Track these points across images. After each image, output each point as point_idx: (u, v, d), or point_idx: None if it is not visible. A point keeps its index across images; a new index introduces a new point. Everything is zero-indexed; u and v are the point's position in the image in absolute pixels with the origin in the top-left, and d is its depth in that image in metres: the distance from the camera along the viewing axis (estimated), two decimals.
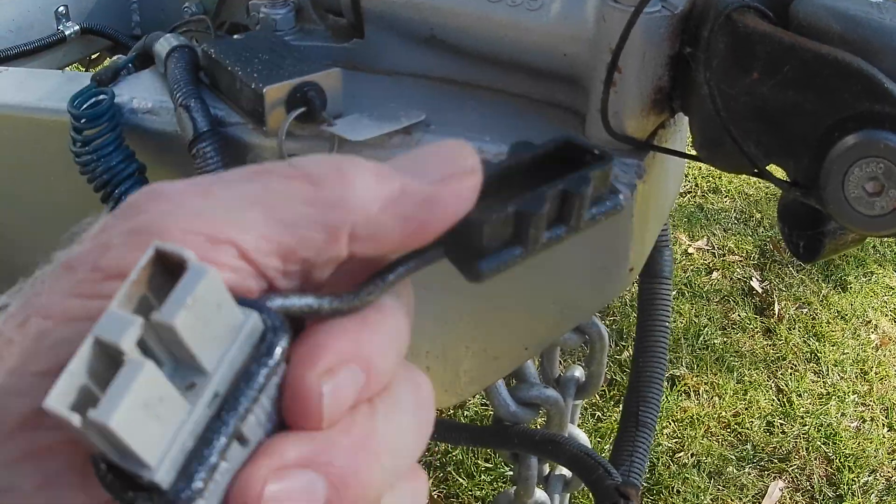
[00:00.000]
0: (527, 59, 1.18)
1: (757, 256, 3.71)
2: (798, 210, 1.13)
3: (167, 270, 0.37)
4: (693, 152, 1.12)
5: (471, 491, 2.76)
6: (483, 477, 2.79)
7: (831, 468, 2.94)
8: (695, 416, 3.04)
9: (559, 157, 0.46)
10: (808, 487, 2.90)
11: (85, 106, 1.22)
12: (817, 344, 3.35)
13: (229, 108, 1.19)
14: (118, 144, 1.19)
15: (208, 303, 0.36)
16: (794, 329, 3.40)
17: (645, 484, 2.78)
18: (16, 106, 1.32)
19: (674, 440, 2.97)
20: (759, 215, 3.92)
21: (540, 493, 1.80)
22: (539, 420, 1.83)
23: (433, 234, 0.42)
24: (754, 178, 3.97)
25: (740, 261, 3.69)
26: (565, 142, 0.46)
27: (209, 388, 0.36)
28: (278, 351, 0.37)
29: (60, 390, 0.34)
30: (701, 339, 3.31)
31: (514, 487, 1.80)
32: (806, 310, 3.49)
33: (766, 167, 1.02)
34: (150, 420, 0.34)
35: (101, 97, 1.24)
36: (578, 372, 1.76)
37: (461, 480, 2.77)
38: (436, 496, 2.72)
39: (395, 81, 1.29)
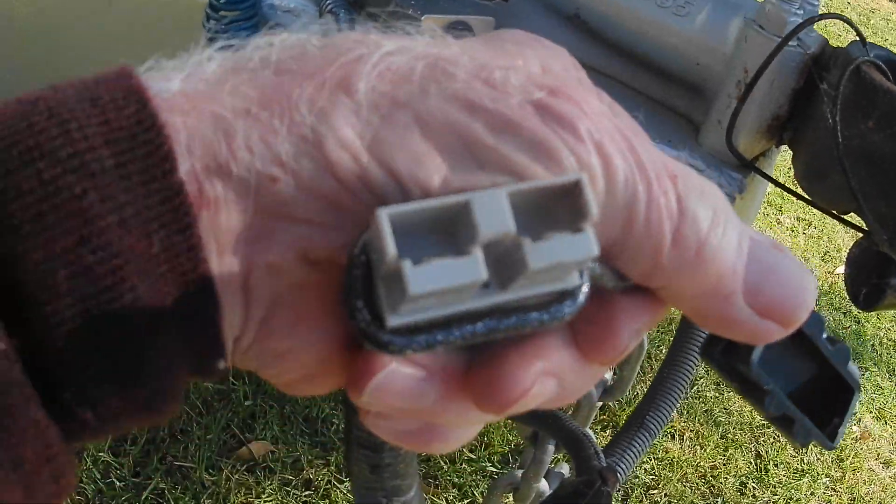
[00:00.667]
0: (661, 59, 1.24)
1: None
2: (869, 258, 1.18)
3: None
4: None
5: (450, 476, 2.79)
6: (465, 466, 2.82)
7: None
8: (675, 459, 3.08)
9: None
10: None
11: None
12: None
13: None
14: (252, 34, 1.16)
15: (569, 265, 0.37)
16: None
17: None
18: None
19: (651, 476, 3.01)
20: None
21: (543, 483, 1.83)
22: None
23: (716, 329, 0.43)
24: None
25: None
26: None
27: (495, 299, 0.37)
28: (567, 312, 0.39)
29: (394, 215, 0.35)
30: (695, 387, 3.36)
31: (522, 471, 1.83)
32: None
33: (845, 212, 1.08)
34: (435, 280, 0.35)
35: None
36: (608, 374, 1.78)
37: (442, 464, 2.81)
38: None
39: None
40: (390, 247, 0.34)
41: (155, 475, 2.51)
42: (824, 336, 0.54)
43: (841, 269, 4.14)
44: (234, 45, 0.41)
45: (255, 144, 0.37)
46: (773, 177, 1.23)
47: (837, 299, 4.02)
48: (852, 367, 0.56)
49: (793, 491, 3.14)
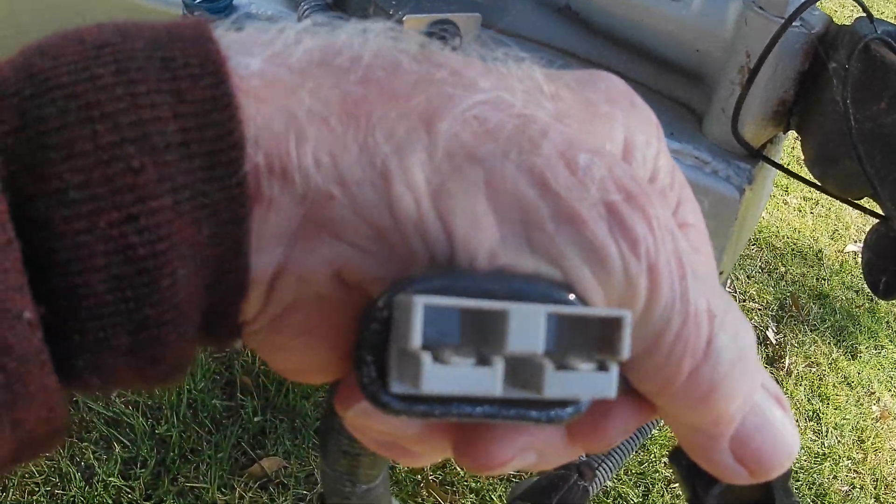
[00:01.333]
0: (658, 48, 1.21)
1: (776, 309, 3.73)
2: (887, 245, 1.15)
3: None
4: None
5: (466, 482, 2.76)
6: None
7: None
8: None
9: None
10: None
11: (201, 0, 1.21)
12: (820, 404, 3.36)
13: None
14: None
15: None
16: (800, 385, 3.42)
17: None
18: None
19: (671, 470, 2.98)
20: (783, 269, 3.94)
21: None
22: None
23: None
24: (784, 233, 4.00)
25: (759, 309, 3.70)
26: None
27: (502, 393, 0.36)
28: (567, 418, 0.38)
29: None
30: None
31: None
32: (814, 369, 3.51)
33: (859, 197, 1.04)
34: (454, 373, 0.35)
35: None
36: None
37: (458, 470, 2.78)
38: (432, 480, 2.73)
39: (516, 43, 1.29)
40: (416, 338, 0.34)
41: (167, 497, 2.48)
42: (784, 490, 0.54)
43: (851, 248, 4.11)
44: (328, 24, 0.39)
45: (324, 158, 0.35)
46: (779, 159, 1.19)
47: (849, 278, 3.98)
48: None
49: (815, 476, 3.10)
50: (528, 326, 0.35)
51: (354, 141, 0.35)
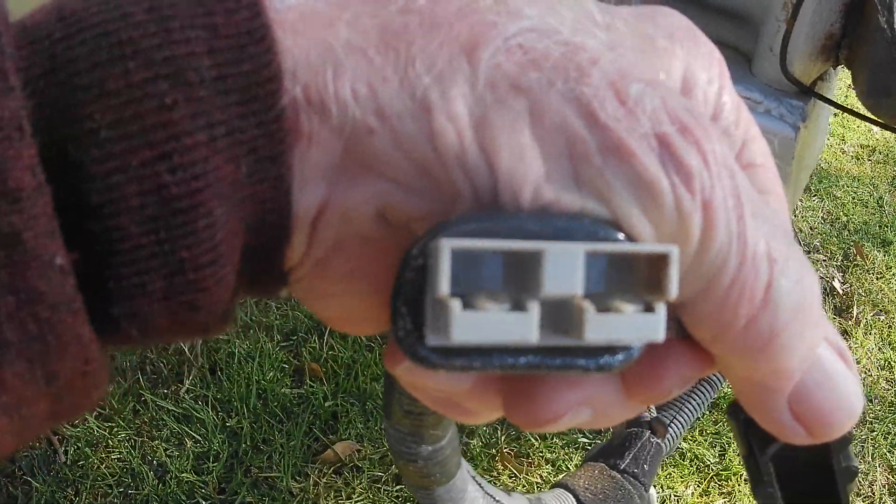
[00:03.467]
0: None
1: (840, 258, 3.69)
2: None
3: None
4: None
5: (541, 452, 2.76)
6: (556, 440, 2.80)
7: (893, 477, 2.92)
8: None
9: None
10: (870, 494, 2.88)
11: None
12: (891, 353, 3.32)
13: None
14: None
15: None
16: (870, 335, 3.38)
17: (714, 467, 2.79)
18: None
19: None
20: (845, 218, 3.89)
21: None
22: None
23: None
24: (843, 182, 3.95)
25: (824, 260, 3.67)
26: None
27: (543, 340, 0.34)
28: (617, 365, 0.36)
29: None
30: None
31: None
32: (883, 317, 3.47)
33: None
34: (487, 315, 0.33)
35: None
36: None
37: (533, 440, 2.78)
38: (507, 452, 2.73)
39: None
40: (443, 284, 0.32)
41: (241, 489, 2.50)
42: (843, 454, 0.52)
43: None
44: None
45: (362, 89, 0.34)
46: (834, 95, 1.17)
47: None
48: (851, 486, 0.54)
49: (891, 426, 3.07)
50: (564, 267, 0.33)
51: (394, 72, 0.34)
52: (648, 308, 0.35)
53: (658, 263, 0.34)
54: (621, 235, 0.34)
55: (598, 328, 0.34)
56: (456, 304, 0.32)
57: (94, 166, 0.31)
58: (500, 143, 0.34)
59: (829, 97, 1.21)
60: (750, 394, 0.39)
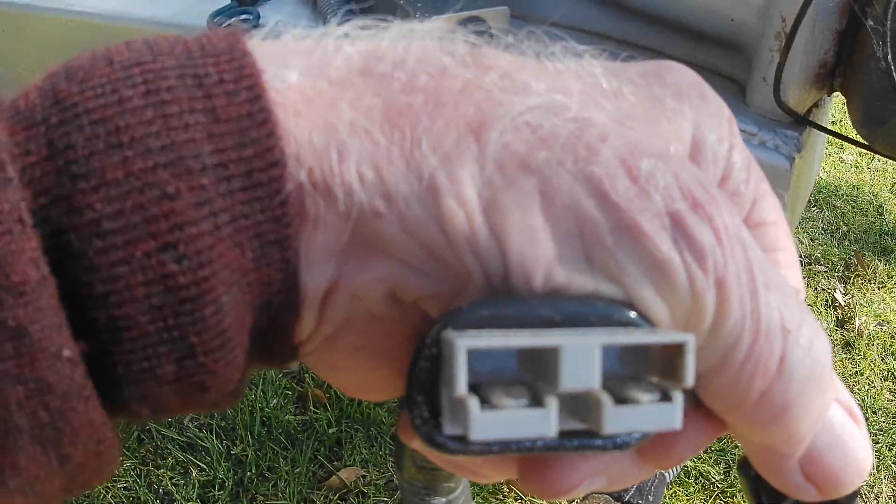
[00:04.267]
0: (693, 21, 1.19)
1: (842, 269, 3.68)
2: None
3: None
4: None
5: None
6: None
7: None
8: None
9: None
10: None
11: (225, 25, 1.15)
12: (895, 363, 3.32)
13: None
14: None
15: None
16: (872, 345, 3.37)
17: (719, 485, 2.78)
18: (148, 20, 1.29)
19: None
20: (845, 228, 3.89)
21: None
22: None
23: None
24: (842, 191, 3.95)
25: (825, 271, 3.66)
26: None
27: (562, 425, 0.34)
28: (634, 443, 0.36)
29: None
30: None
31: None
32: (885, 328, 3.46)
33: None
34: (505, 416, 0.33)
35: (245, 17, 1.19)
36: None
37: None
38: None
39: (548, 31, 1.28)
40: (461, 383, 0.32)
41: None
42: None
43: None
44: (372, 26, 0.37)
45: (368, 173, 0.33)
46: (829, 118, 1.17)
47: None
48: None
49: (895, 436, 3.06)
50: (581, 362, 0.33)
51: (400, 154, 0.33)
52: (665, 396, 0.34)
53: (674, 348, 0.34)
54: (634, 315, 0.34)
55: (617, 421, 0.33)
56: (474, 404, 0.32)
57: (98, 257, 0.31)
58: (511, 226, 0.33)
59: (823, 124, 1.20)
60: (761, 456, 0.39)
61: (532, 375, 0.34)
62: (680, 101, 0.38)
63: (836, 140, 4.30)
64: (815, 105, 1.15)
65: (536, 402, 0.33)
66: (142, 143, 0.31)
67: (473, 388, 0.33)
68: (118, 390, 0.33)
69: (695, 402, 0.38)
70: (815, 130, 1.15)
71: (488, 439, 0.32)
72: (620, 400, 0.33)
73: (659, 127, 0.37)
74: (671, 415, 0.34)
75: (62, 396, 0.31)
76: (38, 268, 0.30)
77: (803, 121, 1.11)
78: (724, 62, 1.19)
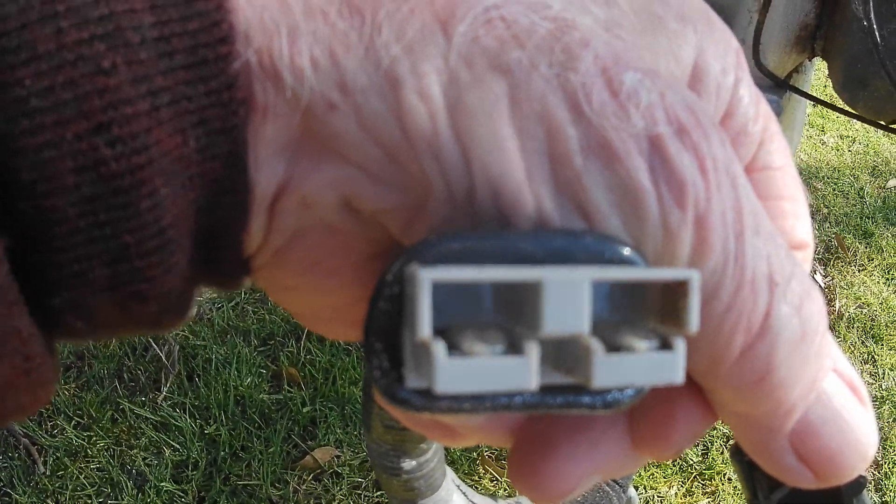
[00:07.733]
0: None
1: (822, 251, 3.68)
2: None
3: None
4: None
5: None
6: None
7: (878, 473, 2.90)
8: None
9: None
10: None
11: None
12: (874, 346, 3.31)
13: None
14: None
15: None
16: (852, 328, 3.36)
17: (697, 467, 2.77)
18: None
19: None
20: (826, 210, 3.89)
21: None
22: None
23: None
24: (823, 173, 3.94)
25: None
26: None
27: (544, 378, 0.30)
28: (626, 401, 0.32)
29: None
30: None
31: None
32: (865, 310, 3.46)
33: None
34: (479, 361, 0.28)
35: None
36: None
37: None
38: (487, 456, 2.71)
39: None
40: (424, 325, 0.27)
41: (220, 498, 2.47)
42: (857, 499, 0.48)
43: (892, 182, 4.05)
44: None
45: (321, 57, 0.30)
46: (811, 86, 1.15)
47: (893, 214, 3.92)
48: None
49: (877, 421, 3.05)
50: (567, 301, 0.28)
51: (359, 39, 0.30)
52: (664, 344, 0.30)
53: (674, 289, 0.30)
54: (629, 251, 0.30)
55: (609, 373, 0.29)
56: (440, 350, 0.27)
57: (24, 139, 0.27)
58: (477, 132, 0.30)
59: (805, 90, 1.18)
60: (748, 434, 0.35)
61: (510, 318, 0.30)
62: (683, 22, 0.34)
63: (817, 122, 4.32)
64: (796, 70, 1.13)
65: (514, 349, 0.28)
66: (79, 13, 0.27)
67: (441, 332, 0.29)
68: (48, 298, 0.29)
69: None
70: (795, 96, 1.12)
71: (457, 392, 0.28)
72: (613, 348, 0.29)
73: (655, 42, 0.33)
74: (672, 365, 0.29)
75: None
76: None
77: (783, 84, 1.09)
78: None
